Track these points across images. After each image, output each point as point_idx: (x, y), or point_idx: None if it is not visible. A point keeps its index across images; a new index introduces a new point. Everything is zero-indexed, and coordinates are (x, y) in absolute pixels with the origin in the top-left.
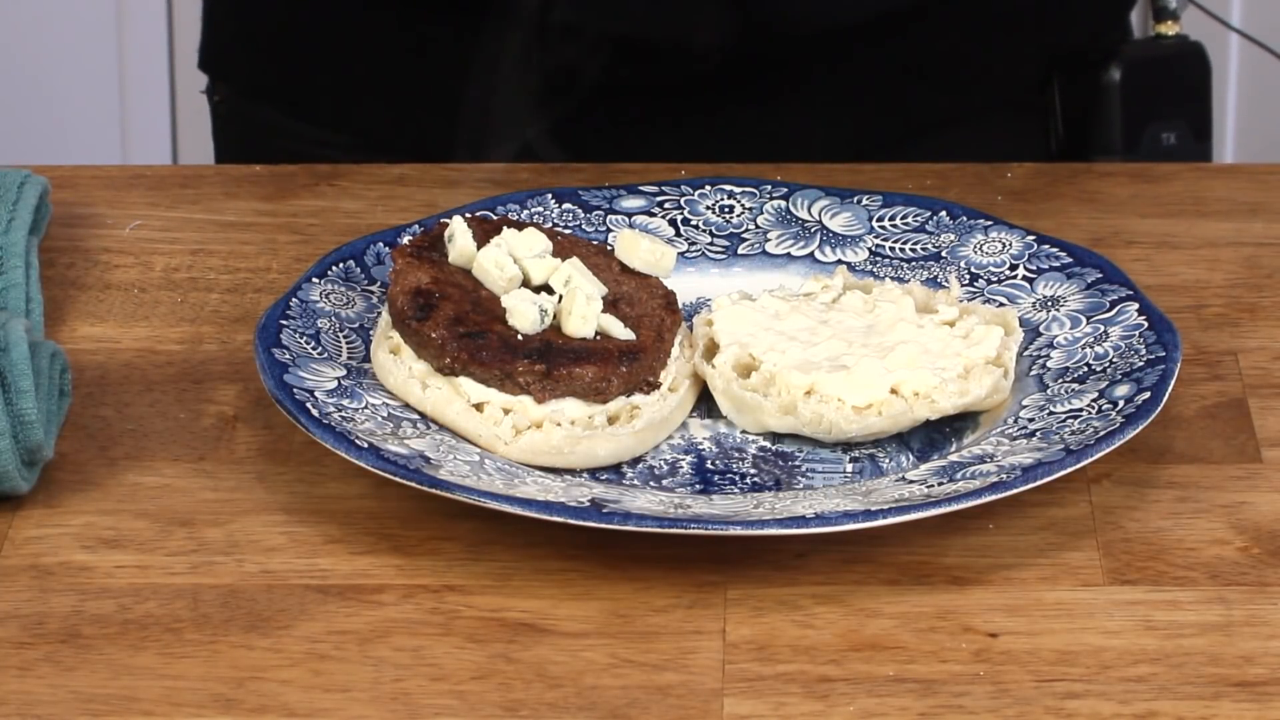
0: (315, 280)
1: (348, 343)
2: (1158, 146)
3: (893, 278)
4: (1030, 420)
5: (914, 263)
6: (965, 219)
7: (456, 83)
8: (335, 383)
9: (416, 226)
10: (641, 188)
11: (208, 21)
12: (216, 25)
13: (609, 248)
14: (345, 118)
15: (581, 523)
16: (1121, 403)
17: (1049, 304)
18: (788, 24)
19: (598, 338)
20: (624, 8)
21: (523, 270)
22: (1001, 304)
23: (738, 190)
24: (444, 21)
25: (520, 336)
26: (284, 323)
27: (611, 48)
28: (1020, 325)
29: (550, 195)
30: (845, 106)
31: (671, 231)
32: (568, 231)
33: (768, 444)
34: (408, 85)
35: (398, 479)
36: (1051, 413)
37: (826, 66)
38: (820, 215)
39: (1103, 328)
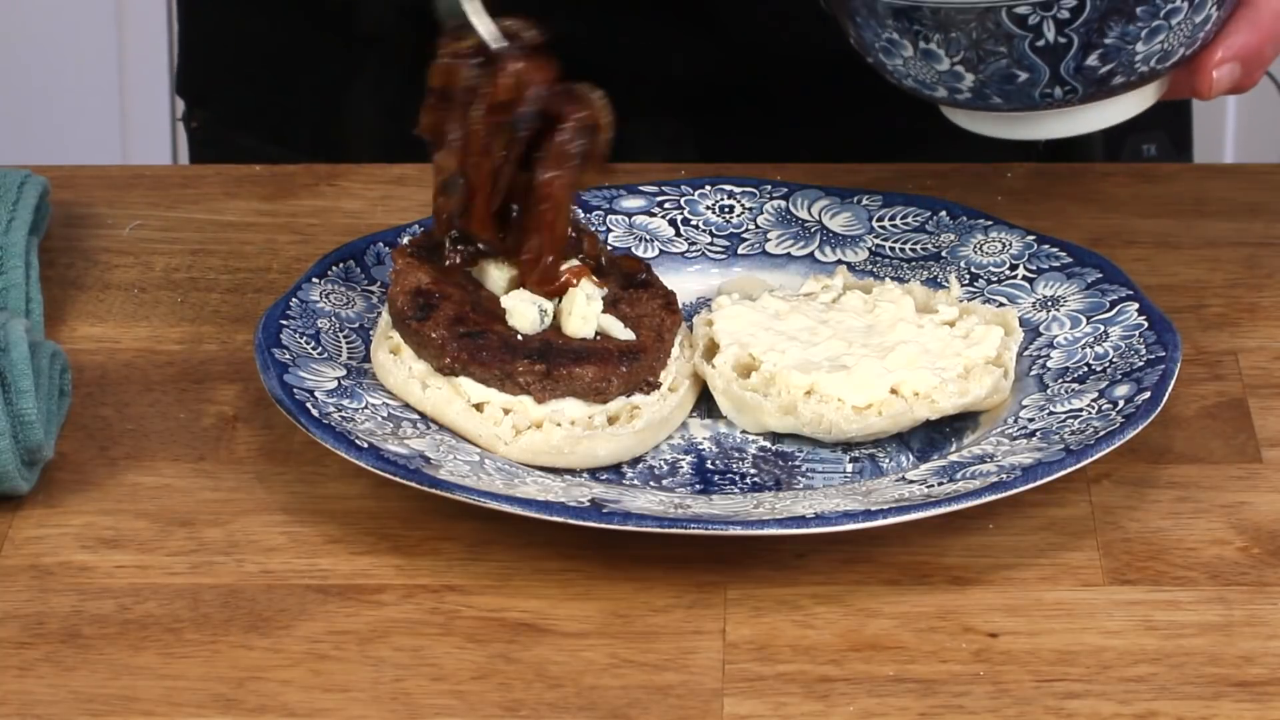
0: (315, 280)
1: (348, 343)
2: (1138, 158)
3: (893, 278)
4: (1030, 420)
5: (914, 263)
6: (965, 219)
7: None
8: (335, 383)
9: (416, 226)
10: (641, 188)
11: (184, 49)
12: (193, 53)
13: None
14: (321, 144)
15: (581, 523)
16: (1121, 403)
17: (1049, 304)
18: (771, 51)
19: (598, 338)
20: (605, 36)
21: None
22: (1001, 304)
23: (738, 190)
24: (422, 48)
25: (520, 336)
26: (284, 323)
27: (604, 71)
28: (1020, 325)
29: None
30: (827, 127)
31: (671, 231)
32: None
33: (768, 444)
34: (385, 113)
35: (398, 479)
36: (1051, 413)
37: (807, 89)
38: (820, 215)
39: (1103, 328)
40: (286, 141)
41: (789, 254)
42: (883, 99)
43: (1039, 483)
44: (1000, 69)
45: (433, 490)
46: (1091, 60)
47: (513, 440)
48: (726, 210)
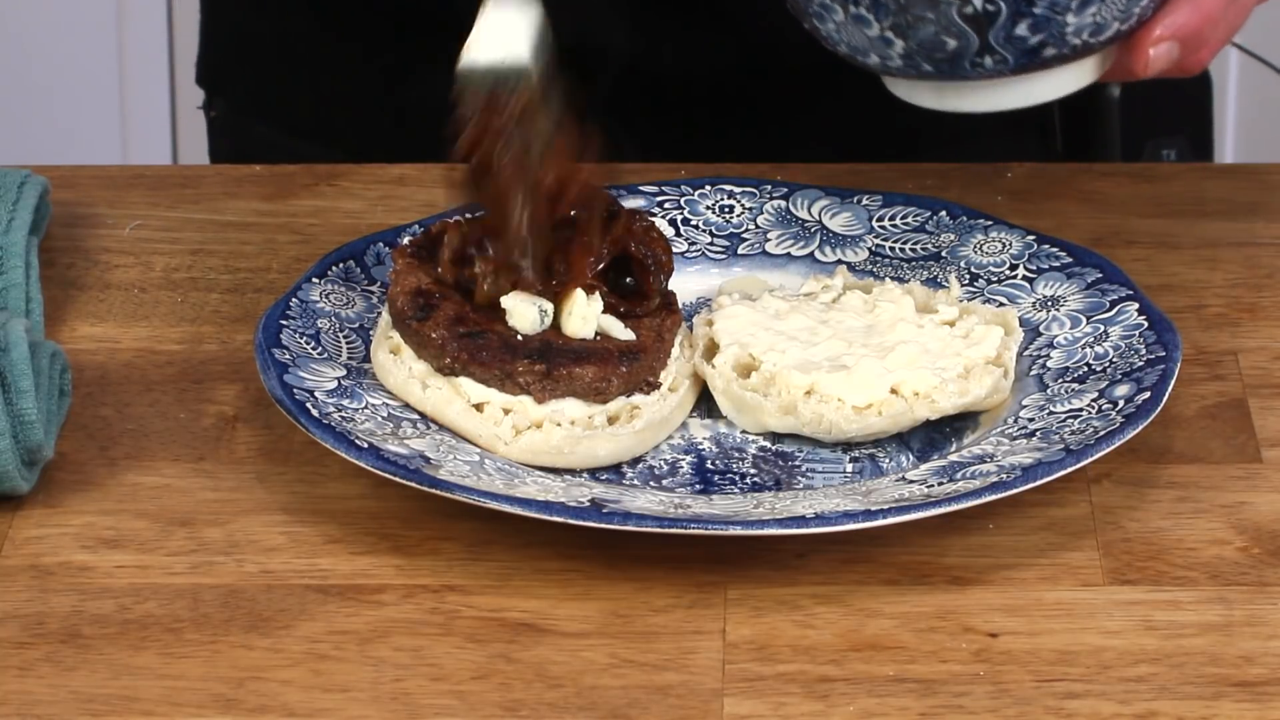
0: (315, 280)
1: (348, 343)
2: (1157, 162)
3: (893, 278)
4: (1030, 420)
5: (914, 263)
6: (965, 219)
7: (450, 101)
8: (335, 383)
9: (416, 226)
10: (641, 188)
11: (204, 37)
12: (213, 41)
13: None
14: (338, 134)
15: (581, 523)
16: (1121, 403)
17: (1049, 304)
18: (775, 46)
19: (598, 338)
20: (616, 30)
21: None
22: (1001, 304)
23: (738, 190)
24: (437, 40)
25: (520, 336)
26: (284, 323)
27: (608, 68)
28: (1020, 325)
29: None
30: (844, 125)
31: (672, 231)
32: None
33: (768, 444)
34: (401, 102)
35: (398, 479)
36: (1051, 413)
37: (824, 86)
38: (820, 215)
39: (1103, 328)
40: (302, 131)
41: (789, 254)
42: (883, 96)
43: (1039, 483)
44: (929, 36)
45: (433, 490)
46: (1021, 30)
47: (513, 440)
48: (726, 210)
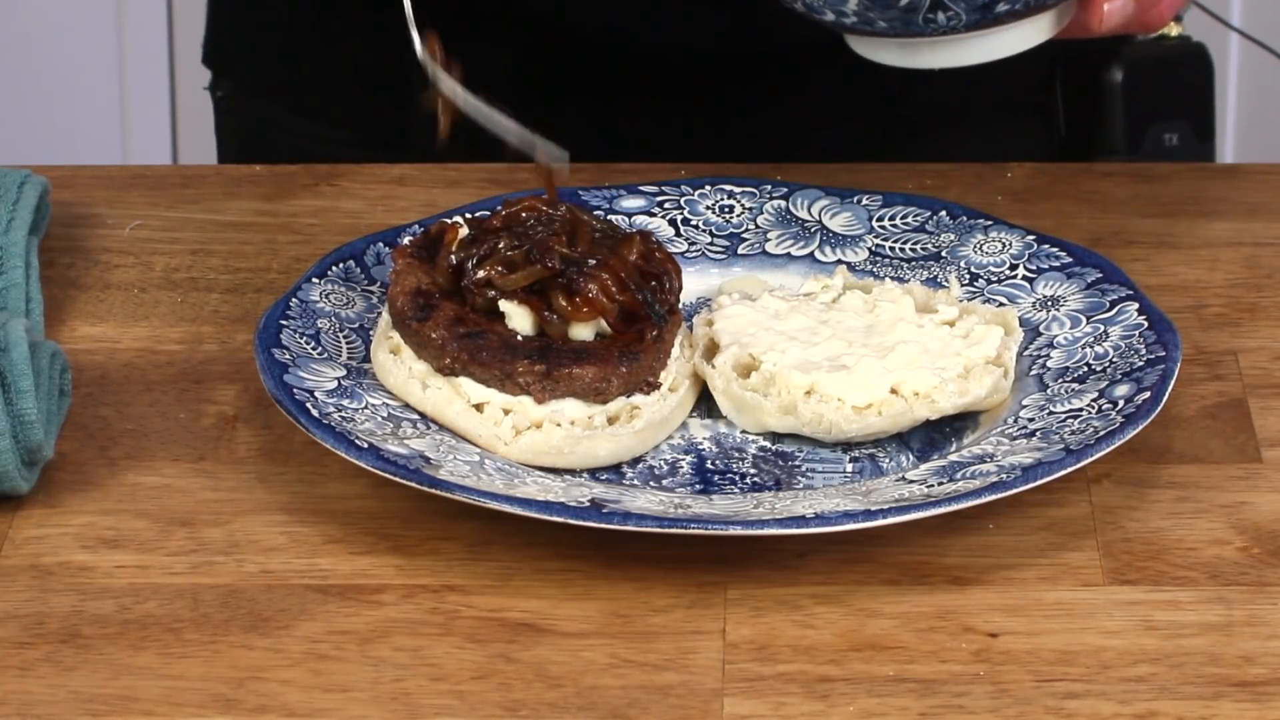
0: (315, 280)
1: (348, 343)
2: (1160, 147)
3: (893, 278)
4: (1030, 420)
5: (914, 263)
6: (965, 219)
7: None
8: (335, 383)
9: (416, 226)
10: (641, 188)
11: (211, 18)
12: (220, 21)
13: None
14: (345, 114)
15: (581, 523)
16: (1121, 403)
17: (1049, 304)
18: (786, 29)
19: (598, 338)
20: (617, 10)
21: None
22: (1001, 304)
23: (738, 190)
24: (443, 19)
25: (520, 337)
26: (284, 323)
27: (606, 50)
28: (1020, 325)
29: None
30: (846, 108)
31: (671, 231)
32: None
33: (768, 444)
34: (408, 82)
35: (398, 479)
36: (1051, 413)
37: (827, 68)
38: (820, 215)
39: (1103, 327)
40: (308, 111)
41: (789, 254)
42: (882, 77)
43: (1039, 483)
44: None
45: (433, 490)
46: None
47: (513, 440)
48: (726, 210)
